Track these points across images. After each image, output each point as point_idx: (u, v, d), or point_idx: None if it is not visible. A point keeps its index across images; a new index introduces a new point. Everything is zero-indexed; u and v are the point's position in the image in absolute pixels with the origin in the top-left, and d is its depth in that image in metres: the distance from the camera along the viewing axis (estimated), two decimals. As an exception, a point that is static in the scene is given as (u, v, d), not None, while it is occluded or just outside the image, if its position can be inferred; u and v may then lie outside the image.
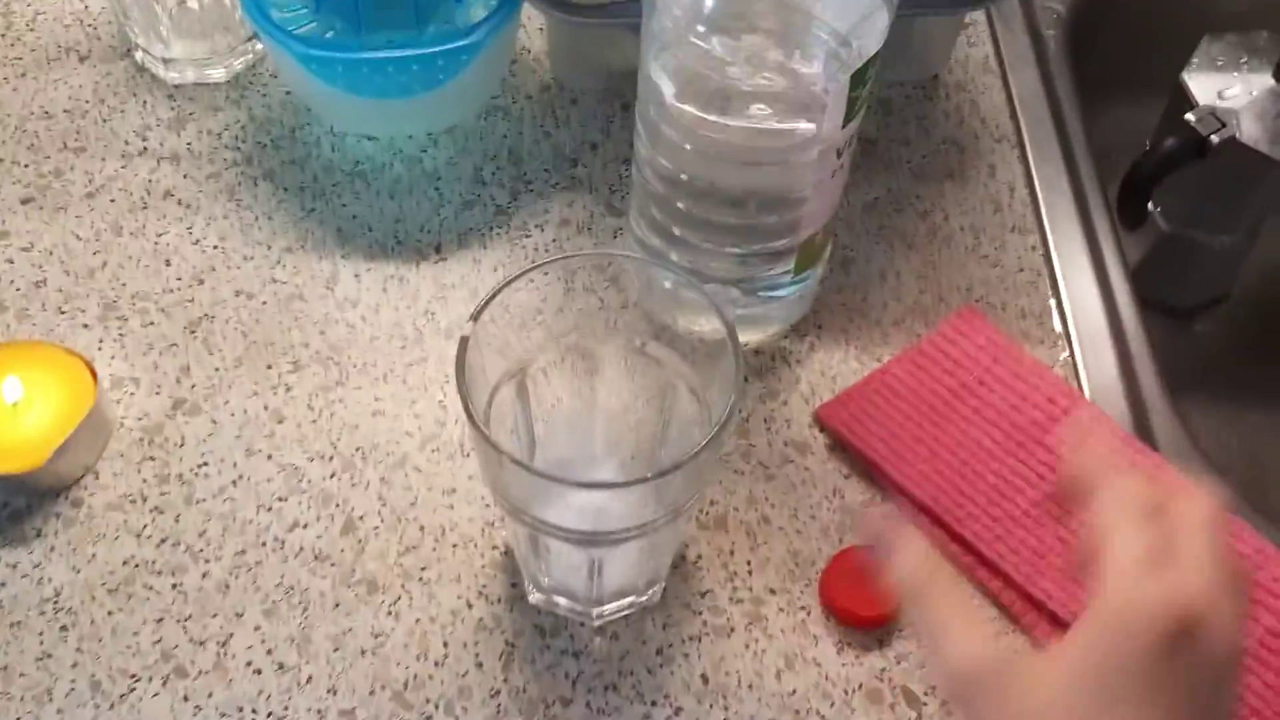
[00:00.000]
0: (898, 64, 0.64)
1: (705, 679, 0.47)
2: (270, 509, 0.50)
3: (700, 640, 0.48)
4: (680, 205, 0.49)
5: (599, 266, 0.42)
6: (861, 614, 0.48)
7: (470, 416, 0.37)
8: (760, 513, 0.51)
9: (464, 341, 0.39)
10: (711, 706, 0.46)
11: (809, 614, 0.49)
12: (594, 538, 0.40)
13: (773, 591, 0.49)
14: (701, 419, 0.41)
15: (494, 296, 0.40)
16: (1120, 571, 0.34)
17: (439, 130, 0.61)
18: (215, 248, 0.57)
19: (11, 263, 0.56)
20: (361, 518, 0.50)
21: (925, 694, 0.47)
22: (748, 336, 0.54)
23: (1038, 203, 0.61)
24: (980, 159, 0.63)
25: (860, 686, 0.47)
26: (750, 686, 0.47)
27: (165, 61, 0.62)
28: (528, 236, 0.58)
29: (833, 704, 0.47)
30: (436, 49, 0.54)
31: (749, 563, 0.50)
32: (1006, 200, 0.61)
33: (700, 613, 0.48)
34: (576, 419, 0.45)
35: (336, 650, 0.47)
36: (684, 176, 0.48)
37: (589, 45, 0.63)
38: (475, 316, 0.39)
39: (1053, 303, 0.58)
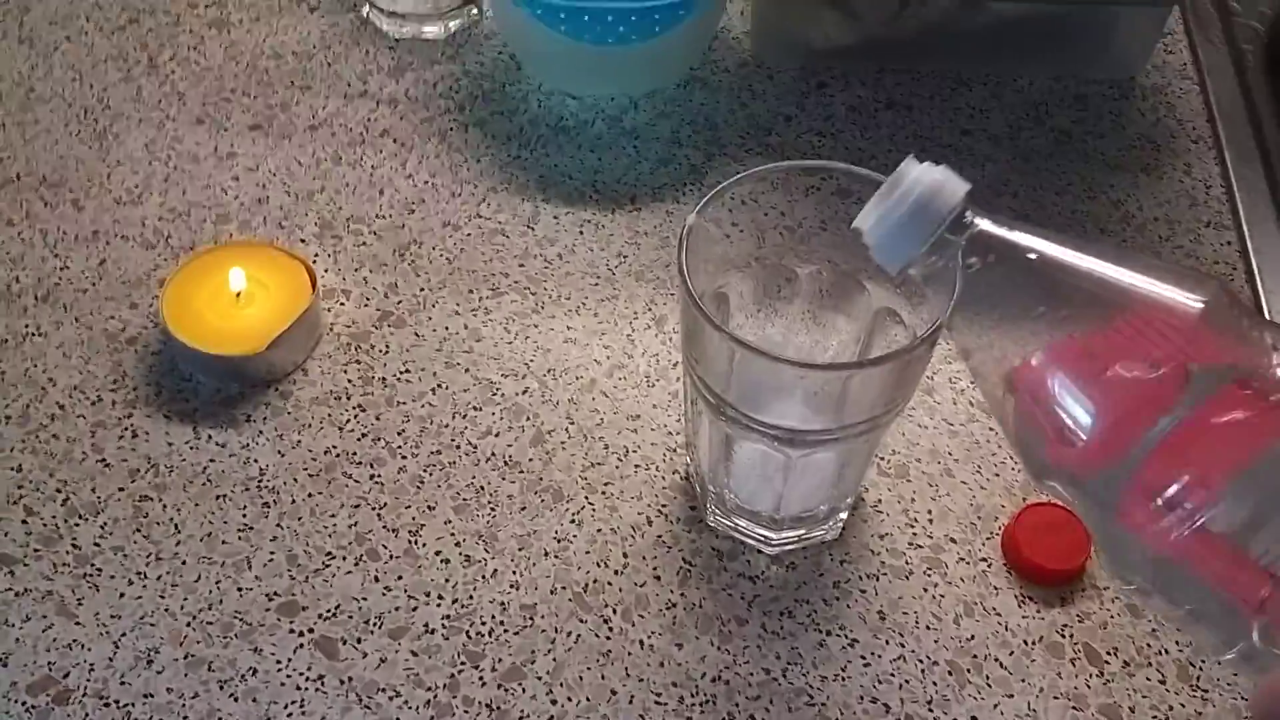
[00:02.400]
0: (1097, 62, 0.65)
1: (882, 615, 0.47)
2: (465, 416, 0.51)
3: (878, 579, 0.48)
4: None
5: (829, 176, 0.43)
6: (1046, 567, 0.47)
7: (691, 296, 0.39)
8: (943, 465, 0.51)
9: (688, 230, 0.40)
10: (888, 642, 0.46)
11: (990, 566, 0.48)
12: (792, 436, 0.41)
13: (953, 540, 0.49)
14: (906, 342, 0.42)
15: (715, 194, 0.41)
16: None
17: (641, 94, 0.64)
18: (426, 183, 0.60)
19: (237, 180, 0.59)
20: (550, 432, 0.51)
21: (1108, 654, 0.46)
22: None
23: (1235, 201, 0.61)
24: (1176, 157, 0.62)
25: (1041, 639, 0.46)
26: (928, 627, 0.46)
27: (389, 16, 0.66)
28: (720, 195, 0.60)
29: (1011, 653, 0.46)
30: (656, 2, 0.56)
31: (929, 511, 0.49)
32: (1202, 197, 0.61)
33: (879, 553, 0.48)
34: (775, 337, 0.46)
35: (521, 550, 0.48)
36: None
37: (791, 23, 0.64)
38: (700, 210, 0.41)
39: (1248, 296, 0.57)
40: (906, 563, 0.48)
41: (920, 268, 0.34)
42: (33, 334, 0.53)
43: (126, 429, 0.51)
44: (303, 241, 0.57)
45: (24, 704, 0.43)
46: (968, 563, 0.48)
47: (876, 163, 0.61)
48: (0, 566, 0.47)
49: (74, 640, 0.45)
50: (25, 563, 0.47)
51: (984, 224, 0.33)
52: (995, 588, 0.47)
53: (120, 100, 0.63)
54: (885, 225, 0.34)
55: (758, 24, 0.66)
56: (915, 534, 0.49)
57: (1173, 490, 0.30)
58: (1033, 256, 0.33)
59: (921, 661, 0.45)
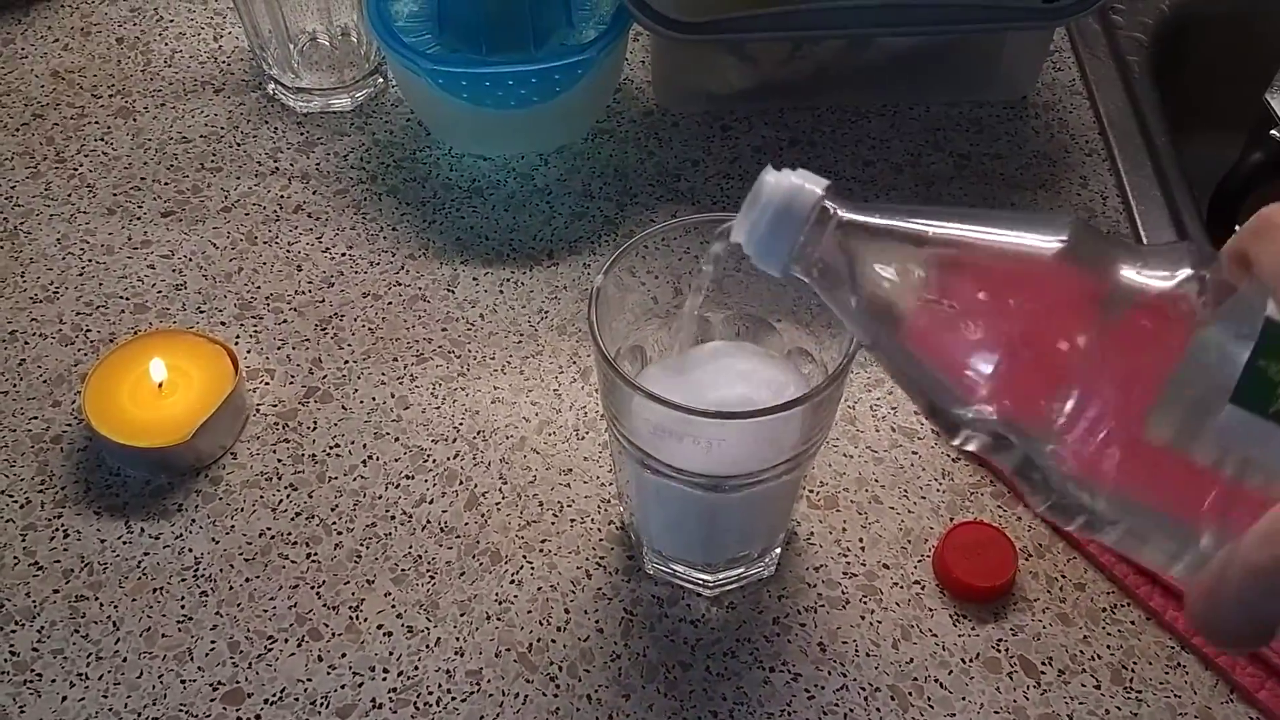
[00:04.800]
0: (989, 84, 0.67)
1: (823, 647, 0.48)
2: (398, 486, 0.52)
3: (816, 611, 0.49)
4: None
5: (726, 224, 0.44)
6: (977, 585, 0.48)
7: (603, 354, 0.39)
8: (870, 493, 0.52)
9: (596, 291, 0.41)
10: (830, 673, 0.47)
11: (923, 588, 0.49)
12: (715, 482, 0.41)
13: (886, 566, 0.50)
14: (817, 377, 0.43)
15: (622, 253, 0.42)
16: None
17: (550, 150, 0.65)
18: (344, 254, 0.60)
19: (153, 268, 0.60)
20: (484, 494, 0.52)
21: (1043, 664, 0.47)
22: None
23: (1131, 210, 0.63)
24: (1071, 171, 0.65)
25: (978, 656, 0.47)
26: (868, 654, 0.47)
27: (295, 91, 0.66)
28: (635, 244, 0.61)
29: (950, 672, 0.47)
30: (553, 64, 0.58)
31: (861, 539, 0.51)
32: (1100, 208, 0.63)
33: (815, 585, 0.49)
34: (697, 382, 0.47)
35: (463, 615, 0.48)
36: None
37: (689, 70, 0.66)
38: (605, 271, 0.42)
39: (1151, 302, 0.59)
40: (843, 592, 0.49)
41: (802, 267, 0.35)
42: (-45, 441, 0.53)
43: (58, 529, 0.50)
44: (223, 324, 0.57)
45: (-30, 820, 0.43)
46: (901, 586, 0.49)
47: (785, 199, 0.63)
48: (-64, 682, 0.46)
49: (17, 750, 0.44)
50: (-38, 675, 0.46)
51: (847, 213, 0.34)
52: (930, 609, 0.49)
53: (29, 197, 0.63)
54: (756, 234, 0.35)
55: (658, 74, 0.67)
56: (849, 563, 0.50)
57: (1102, 414, 0.30)
58: (899, 225, 0.34)
59: (864, 689, 0.46)
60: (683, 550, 0.47)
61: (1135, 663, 0.47)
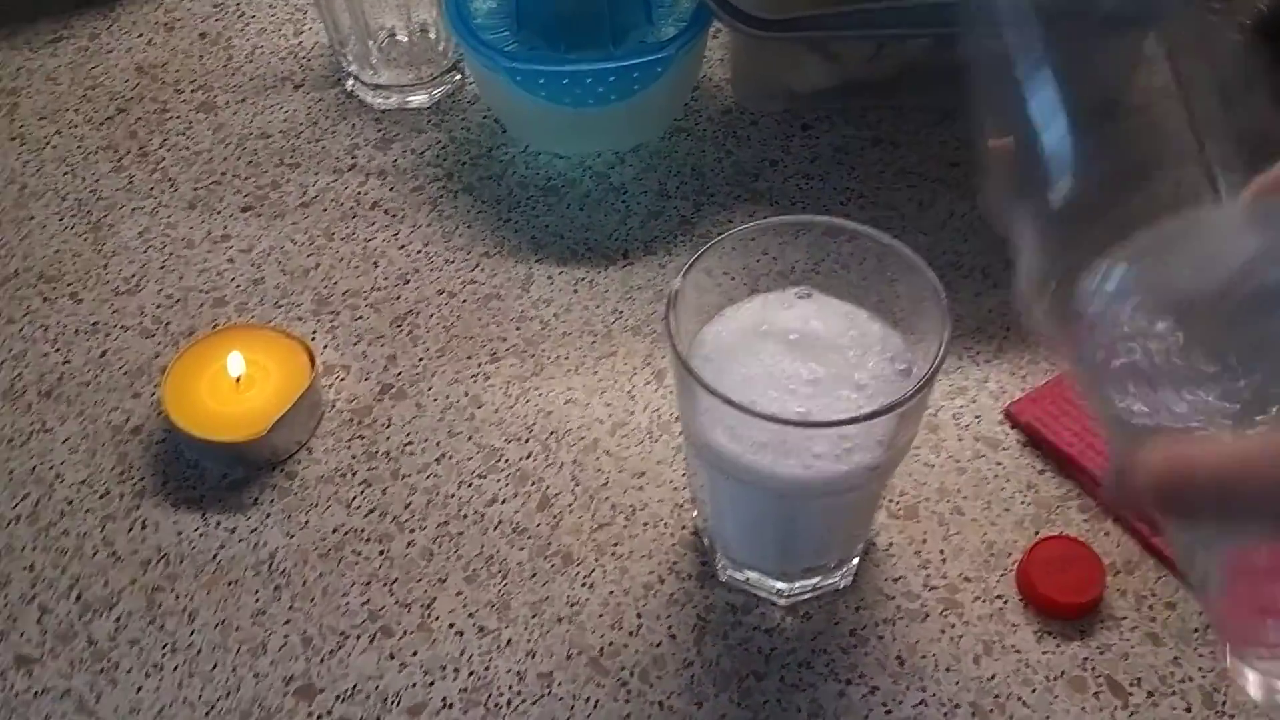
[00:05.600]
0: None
1: (901, 660, 0.46)
2: (471, 485, 0.51)
3: (894, 624, 0.47)
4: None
5: (813, 229, 0.43)
6: (1063, 602, 0.47)
7: (679, 358, 0.39)
8: (952, 504, 0.51)
9: (674, 294, 0.40)
10: (908, 687, 0.46)
11: (1006, 603, 0.48)
12: (794, 490, 0.41)
13: (967, 579, 0.48)
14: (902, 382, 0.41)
15: (701, 255, 0.41)
16: None
17: (626, 148, 0.64)
18: (419, 252, 0.60)
19: (232, 262, 0.60)
20: (556, 495, 0.51)
21: (1131, 685, 0.45)
22: None
23: (1226, 216, 0.61)
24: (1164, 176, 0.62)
25: (1062, 674, 0.46)
26: (948, 669, 0.46)
27: (374, 88, 0.66)
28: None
29: (1034, 690, 0.45)
30: (632, 62, 0.57)
31: (942, 551, 0.49)
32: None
33: (893, 597, 0.48)
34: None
35: (534, 616, 0.48)
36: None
37: (770, 68, 0.65)
38: (684, 273, 0.41)
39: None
40: (922, 605, 0.48)
41: None
42: (38, 430, 0.54)
43: (135, 520, 0.51)
44: (300, 320, 0.57)
45: (47, 807, 0.43)
46: (984, 600, 0.48)
47: (865, 201, 0.62)
48: (19, 666, 0.47)
49: (93, 739, 0.45)
50: (43, 661, 0.47)
51: None
52: (1013, 624, 0.47)
53: (112, 190, 0.63)
54: None
55: (738, 71, 0.66)
56: (929, 575, 0.49)
57: None
58: None
59: (944, 705, 0.45)
60: (758, 558, 0.47)
61: (1228, 686, 0.45)
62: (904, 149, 0.64)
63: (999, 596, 0.48)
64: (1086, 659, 0.46)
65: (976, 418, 0.53)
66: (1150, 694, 0.45)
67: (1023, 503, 0.50)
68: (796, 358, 0.42)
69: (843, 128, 0.65)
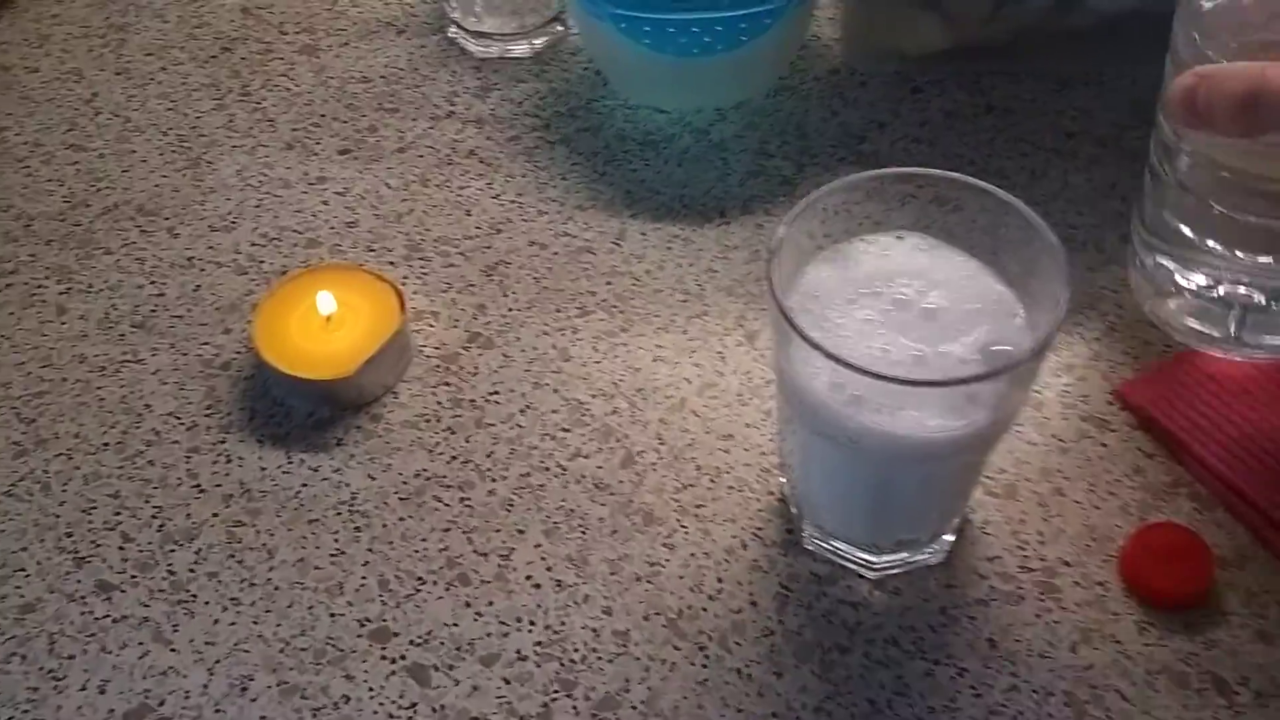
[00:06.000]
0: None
1: (992, 643, 0.44)
2: (554, 438, 0.51)
3: (988, 605, 0.45)
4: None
5: (927, 184, 0.41)
6: (1168, 592, 0.44)
7: (783, 312, 0.37)
8: (1054, 485, 0.48)
9: (779, 243, 0.39)
10: (1000, 671, 0.44)
11: (1107, 590, 0.45)
12: (893, 454, 0.39)
13: (1067, 564, 0.46)
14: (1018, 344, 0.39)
15: (809, 204, 0.40)
16: None
17: (728, 105, 0.62)
18: (512, 202, 0.59)
19: (327, 204, 0.60)
20: (640, 453, 0.50)
21: (1238, 684, 0.43)
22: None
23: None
24: (1298, 154, 0.59)
25: (1164, 669, 0.43)
26: (1042, 655, 0.44)
27: (475, 36, 0.66)
28: (813, 207, 0.58)
29: (1134, 684, 0.43)
30: (741, 11, 0.55)
31: (1041, 533, 0.47)
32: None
33: (987, 577, 0.46)
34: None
35: (613, 574, 0.47)
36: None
37: (881, 27, 0.63)
38: (791, 221, 0.39)
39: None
40: (1018, 587, 0.46)
41: None
42: (129, 360, 0.54)
43: (221, 454, 0.51)
44: (391, 264, 0.57)
45: (122, 731, 0.44)
46: (1083, 586, 0.46)
47: (975, 168, 0.59)
48: (100, 592, 0.47)
49: (170, 667, 0.45)
50: (122, 589, 0.47)
51: None
52: (1114, 614, 0.45)
53: (213, 128, 0.63)
54: None
55: (848, 29, 0.64)
56: (1026, 557, 0.46)
57: None
58: None
59: (1036, 693, 0.43)
60: (847, 527, 0.45)
61: (1345, 693, 0.42)
62: (1017, 116, 0.61)
63: (1100, 583, 0.46)
64: (1191, 654, 0.44)
65: (1084, 397, 0.51)
66: (1259, 694, 0.43)
67: (1129, 487, 0.48)
68: (904, 309, 0.40)
69: (954, 93, 0.62)
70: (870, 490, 0.42)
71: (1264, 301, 0.47)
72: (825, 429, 0.39)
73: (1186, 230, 0.47)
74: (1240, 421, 0.48)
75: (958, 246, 0.41)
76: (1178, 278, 0.49)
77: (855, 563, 0.46)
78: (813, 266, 0.41)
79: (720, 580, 0.46)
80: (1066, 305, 0.37)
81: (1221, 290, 0.48)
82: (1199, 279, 0.48)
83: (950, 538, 0.46)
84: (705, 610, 0.46)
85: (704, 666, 0.44)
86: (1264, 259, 0.46)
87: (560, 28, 0.67)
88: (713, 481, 0.49)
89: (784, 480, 0.48)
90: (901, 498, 0.42)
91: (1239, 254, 0.46)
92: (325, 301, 0.52)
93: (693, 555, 0.47)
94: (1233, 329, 0.48)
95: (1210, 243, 0.47)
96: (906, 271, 0.41)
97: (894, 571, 0.46)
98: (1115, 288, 0.54)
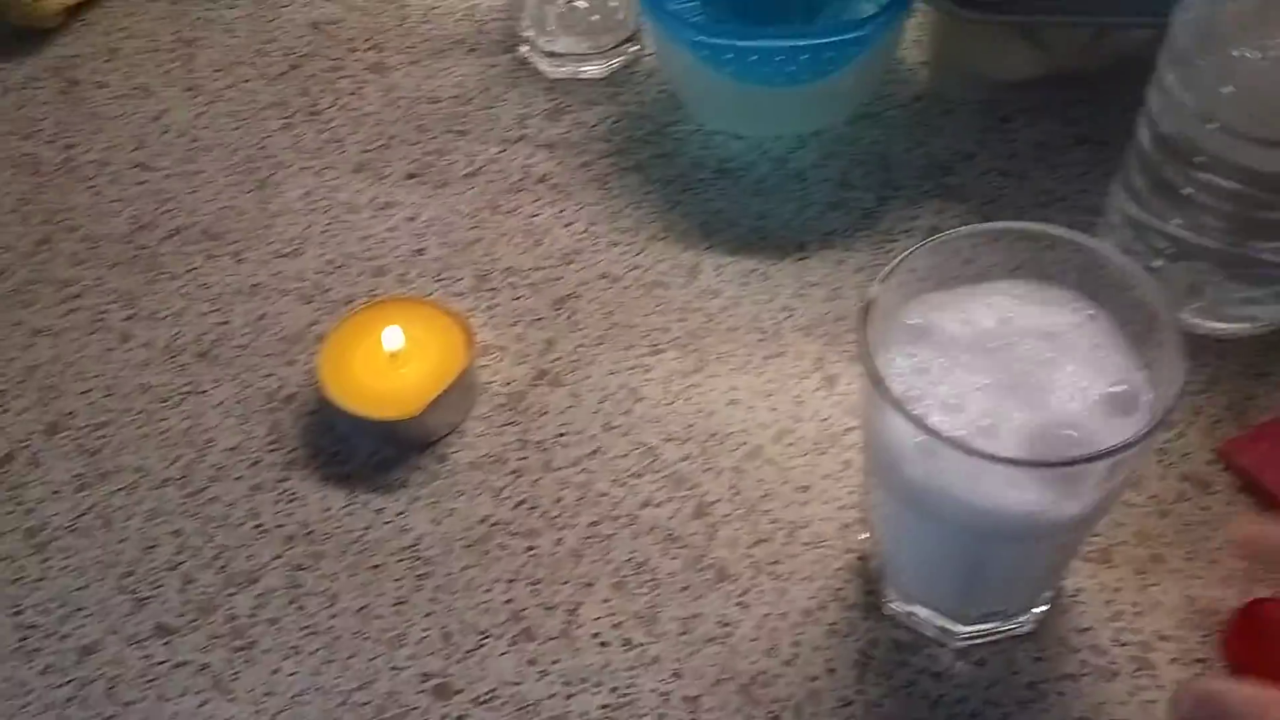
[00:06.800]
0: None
1: (1084, 722, 0.42)
2: (624, 484, 0.49)
3: (1078, 679, 0.43)
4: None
5: (1029, 238, 0.38)
6: (1274, 675, 0.42)
7: (874, 376, 0.35)
8: (1151, 550, 0.46)
9: (869, 303, 0.37)
10: (1090, 753, 0.41)
11: (1208, 668, 0.43)
12: (988, 528, 0.36)
13: (1164, 638, 0.44)
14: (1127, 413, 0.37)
15: (904, 259, 0.37)
16: None
17: (808, 132, 0.60)
18: (584, 231, 0.58)
19: (394, 231, 0.58)
20: (713, 503, 0.48)
21: (1351, 778, 0.40)
22: (1223, 326, 0.51)
23: None
24: None
25: (1270, 757, 0.41)
26: (1136, 738, 0.42)
27: (547, 55, 0.64)
28: (894, 241, 0.56)
29: (1236, 772, 0.41)
30: (829, 40, 0.53)
31: (1136, 603, 0.45)
32: None
33: (1079, 650, 0.44)
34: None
35: (683, 634, 0.45)
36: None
37: (973, 53, 0.60)
38: (884, 279, 0.37)
39: None
40: (1111, 661, 0.43)
41: None
42: (193, 391, 0.53)
43: (283, 493, 0.50)
44: (458, 295, 0.55)
45: (179, 782, 0.43)
46: (1181, 663, 0.43)
47: (1066, 204, 0.56)
48: (159, 636, 0.46)
49: (229, 718, 0.44)
50: (183, 633, 0.46)
51: None
52: (1215, 694, 0.42)
53: (280, 148, 0.62)
54: None
55: (936, 55, 0.61)
56: (1120, 629, 0.44)
57: None
58: None
59: (1130, 778, 0.41)
60: (934, 597, 0.43)
61: None
62: (1111, 150, 0.58)
63: (1199, 659, 0.43)
64: (1300, 743, 0.41)
65: (1185, 455, 0.48)
66: (1373, 791, 0.40)
67: (1232, 555, 0.45)
68: (1006, 372, 0.37)
69: (1045, 123, 0.60)
70: (960, 564, 0.40)
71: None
72: (914, 502, 0.37)
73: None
74: (1355, 489, 0.45)
75: (1065, 301, 0.39)
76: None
77: (939, 632, 0.44)
78: (907, 324, 0.39)
79: (796, 644, 0.44)
80: (1185, 377, 0.34)
81: None
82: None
83: (1042, 608, 0.44)
84: (780, 676, 0.44)
85: (778, 737, 0.42)
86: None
87: (635, 48, 0.65)
88: (789, 537, 0.47)
89: (866, 537, 0.46)
90: (995, 573, 0.40)
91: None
92: (392, 337, 0.50)
93: (767, 616, 0.45)
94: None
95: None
96: (1015, 331, 0.38)
97: (980, 642, 0.44)
98: (1219, 335, 0.51)
